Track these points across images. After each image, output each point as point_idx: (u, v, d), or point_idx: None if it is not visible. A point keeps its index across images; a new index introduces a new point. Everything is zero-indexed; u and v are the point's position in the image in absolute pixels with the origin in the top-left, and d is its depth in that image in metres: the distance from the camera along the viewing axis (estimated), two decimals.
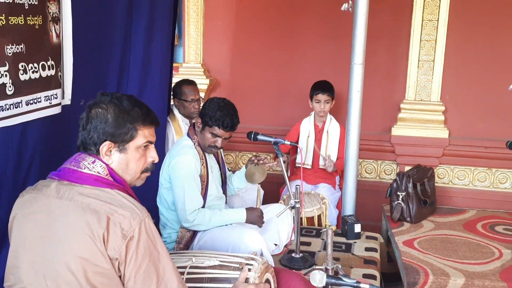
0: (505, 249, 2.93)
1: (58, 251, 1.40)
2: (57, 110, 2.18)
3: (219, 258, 1.94)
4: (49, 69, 2.07)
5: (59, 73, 2.19)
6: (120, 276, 1.42)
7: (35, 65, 1.97)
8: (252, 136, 2.73)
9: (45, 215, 1.45)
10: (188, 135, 2.67)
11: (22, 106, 1.91)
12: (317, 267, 2.41)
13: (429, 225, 3.34)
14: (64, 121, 2.34)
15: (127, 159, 1.57)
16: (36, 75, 1.98)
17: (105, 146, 1.53)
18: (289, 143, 2.74)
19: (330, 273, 2.06)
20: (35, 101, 2.00)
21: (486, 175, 3.93)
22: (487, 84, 3.86)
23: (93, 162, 1.52)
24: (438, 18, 3.80)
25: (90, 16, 2.50)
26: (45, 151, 2.14)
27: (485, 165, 3.90)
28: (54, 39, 2.14)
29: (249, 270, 1.85)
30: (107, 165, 1.53)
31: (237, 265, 1.89)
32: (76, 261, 1.38)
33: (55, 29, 2.14)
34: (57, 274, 1.39)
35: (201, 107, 3.31)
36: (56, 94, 2.17)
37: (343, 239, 3.07)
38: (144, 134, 1.58)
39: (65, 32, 2.27)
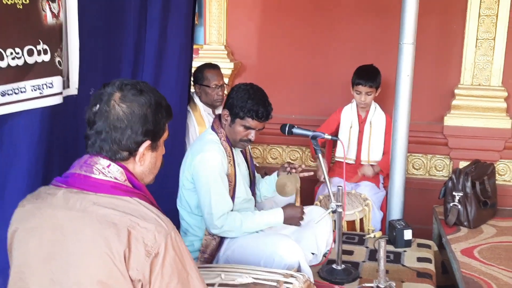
0: None
1: (71, 273, 1.30)
2: (54, 100, 2.06)
3: (252, 275, 1.83)
4: (39, 54, 1.94)
5: (57, 59, 2.07)
6: None
7: (17, 50, 1.84)
8: (287, 129, 2.60)
9: (52, 230, 1.35)
10: (212, 128, 2.55)
11: None
12: (367, 285, 2.27)
13: (490, 230, 3.18)
14: (69, 114, 2.24)
15: (157, 157, 1.52)
16: (19, 62, 1.85)
17: (143, 147, 1.45)
18: (330, 137, 2.61)
19: None
20: (16, 91, 1.87)
21: None
22: None
23: (108, 166, 1.41)
24: None
25: None
26: (41, 150, 2.03)
27: None
28: (50, 19, 2.00)
29: None
30: (125, 168, 1.42)
31: (274, 283, 1.78)
32: (93, 285, 1.28)
33: (50, 8, 2.01)
34: None
35: (225, 95, 3.21)
36: (51, 83, 2.04)
37: (391, 247, 2.93)
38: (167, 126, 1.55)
39: (69, 12, 2.16)
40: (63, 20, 2.10)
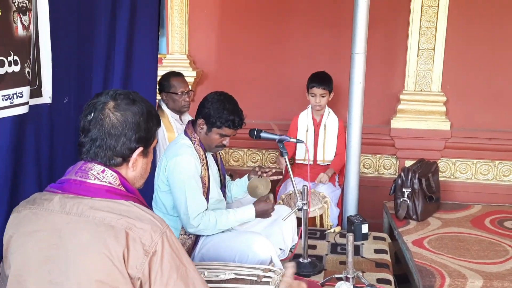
0: None
1: (70, 274, 1.29)
2: (22, 110, 2.02)
3: (234, 271, 1.86)
4: (10, 65, 1.91)
5: (27, 69, 2.04)
6: None
7: None
8: (255, 133, 2.64)
9: (49, 233, 1.33)
10: (185, 133, 2.56)
11: None
12: (336, 276, 2.35)
13: (436, 222, 3.33)
14: (44, 121, 2.20)
15: (147, 162, 1.53)
16: None
17: (136, 154, 1.46)
18: (295, 140, 2.66)
19: (351, 282, 2.00)
20: None
21: (489, 168, 3.94)
22: (490, 73, 3.87)
23: (103, 172, 1.41)
24: (438, 4, 3.78)
25: (71, 5, 2.36)
26: (11, 157, 1.98)
27: (489, 157, 3.91)
28: (20, 31, 1.97)
29: (268, 283, 1.77)
30: (118, 173, 1.42)
31: (255, 278, 1.82)
32: (92, 285, 1.27)
33: (21, 21, 1.98)
34: None
35: (192, 102, 3.21)
36: (21, 93, 2.01)
37: None
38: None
39: (40, 23, 2.13)
40: (33, 32, 2.06)
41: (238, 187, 2.82)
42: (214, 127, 2.48)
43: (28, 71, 2.02)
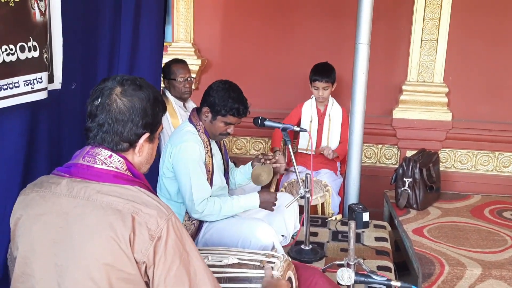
0: None
1: (76, 257, 1.27)
2: (41, 95, 2.00)
3: (237, 256, 1.83)
4: (30, 51, 1.88)
5: (45, 55, 2.01)
6: (146, 282, 1.30)
7: (11, 46, 1.77)
8: (259, 122, 2.61)
9: (56, 216, 1.31)
10: (190, 120, 2.53)
11: None
12: (338, 262, 2.33)
13: (435, 211, 3.31)
14: (53, 107, 2.18)
15: (153, 148, 1.50)
16: (13, 58, 1.78)
17: (142, 139, 1.42)
18: (298, 129, 2.64)
19: (353, 269, 1.97)
20: (11, 86, 1.81)
21: (489, 159, 3.91)
22: (491, 65, 3.82)
23: (110, 157, 1.38)
24: None
25: None
26: (29, 141, 1.97)
27: (489, 148, 3.88)
28: (38, 17, 1.94)
29: (272, 268, 1.74)
30: (125, 159, 1.40)
31: (258, 263, 1.79)
32: (100, 268, 1.25)
33: (38, 6, 1.94)
34: (75, 282, 1.26)
35: (197, 91, 3.17)
36: (40, 78, 1.98)
37: None
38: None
39: (53, 9, 2.08)
40: (48, 17, 2.03)
41: (242, 174, 2.80)
42: (219, 115, 2.45)
43: (46, 57, 1.99)
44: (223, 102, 2.41)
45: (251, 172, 2.70)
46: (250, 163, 2.79)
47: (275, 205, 2.58)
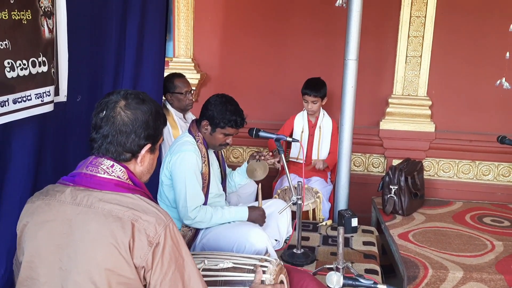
0: (496, 241, 2.92)
1: (78, 261, 1.27)
2: (49, 108, 2.01)
3: (232, 260, 1.83)
4: (40, 66, 1.90)
5: (52, 70, 2.02)
6: (144, 286, 1.30)
7: (24, 61, 1.79)
8: (254, 132, 2.62)
9: (60, 223, 1.32)
10: (189, 131, 2.54)
11: (8, 105, 1.74)
12: (327, 266, 2.33)
13: (420, 217, 3.32)
14: (59, 119, 2.19)
15: (154, 158, 1.51)
16: (26, 72, 1.80)
17: (144, 150, 1.43)
18: (291, 139, 2.65)
19: (341, 273, 1.98)
20: (24, 99, 1.83)
21: (470, 167, 3.93)
22: (471, 80, 3.86)
23: (112, 166, 1.39)
24: (425, 15, 3.76)
25: (85, 10, 2.34)
26: (38, 151, 1.98)
27: (470, 158, 3.90)
28: (47, 34, 1.96)
29: (264, 272, 1.75)
30: (126, 168, 1.40)
31: (251, 267, 1.79)
32: (100, 273, 1.25)
33: (47, 24, 1.96)
34: (77, 286, 1.26)
35: (196, 103, 3.18)
36: (49, 91, 2.00)
37: None
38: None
39: (59, 26, 2.10)
40: (55, 34, 2.04)
41: (240, 174, 2.82)
42: (218, 128, 2.46)
43: (53, 71, 2.01)
44: (221, 115, 2.42)
45: (246, 168, 2.73)
46: (246, 162, 2.82)
47: (264, 222, 2.58)
